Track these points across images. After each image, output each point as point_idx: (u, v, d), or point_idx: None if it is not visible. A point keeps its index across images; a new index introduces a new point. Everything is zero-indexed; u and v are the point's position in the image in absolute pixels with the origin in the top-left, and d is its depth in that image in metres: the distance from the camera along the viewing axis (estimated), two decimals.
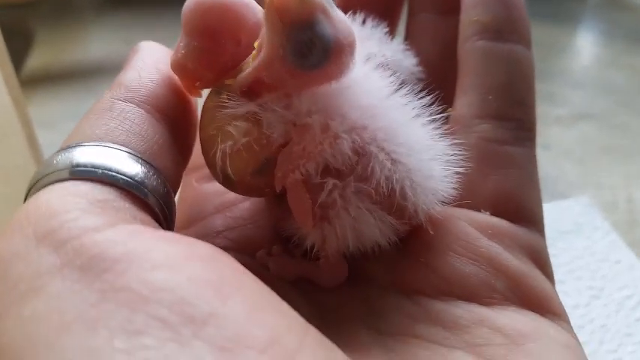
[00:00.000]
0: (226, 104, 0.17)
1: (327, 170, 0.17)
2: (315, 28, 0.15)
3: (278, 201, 0.19)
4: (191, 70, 0.18)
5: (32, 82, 0.78)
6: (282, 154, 0.17)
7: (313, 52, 0.16)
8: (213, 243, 0.20)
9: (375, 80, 0.18)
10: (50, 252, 0.12)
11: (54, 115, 0.68)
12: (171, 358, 0.11)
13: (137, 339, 0.11)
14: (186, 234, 0.20)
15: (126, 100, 0.17)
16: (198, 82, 0.18)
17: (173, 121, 0.18)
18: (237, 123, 0.17)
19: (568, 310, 0.20)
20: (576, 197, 0.53)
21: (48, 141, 0.51)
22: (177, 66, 0.18)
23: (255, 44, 0.17)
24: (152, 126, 0.17)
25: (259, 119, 0.17)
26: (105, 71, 0.80)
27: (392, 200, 0.17)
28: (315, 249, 0.18)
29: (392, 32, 0.26)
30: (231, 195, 0.21)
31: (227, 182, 0.18)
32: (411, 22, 0.26)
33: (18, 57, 0.42)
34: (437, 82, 0.23)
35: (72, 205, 0.14)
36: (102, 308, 0.11)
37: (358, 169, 0.17)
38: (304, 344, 0.12)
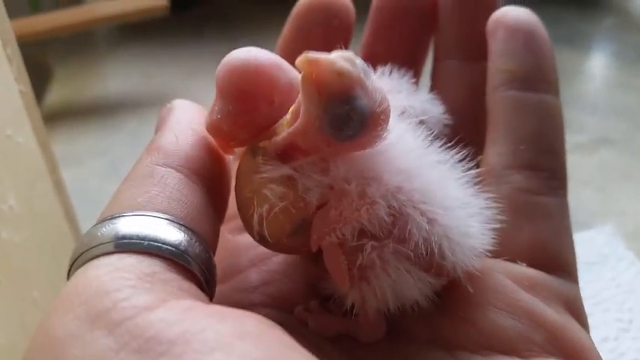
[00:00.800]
0: (261, 167, 0.17)
1: (363, 233, 0.17)
2: (352, 102, 0.15)
3: (314, 259, 0.19)
4: (226, 132, 0.18)
5: (53, 119, 0.79)
6: (319, 217, 0.17)
7: (350, 125, 0.16)
8: (250, 299, 0.20)
9: (409, 141, 0.18)
10: (105, 334, 0.13)
11: (78, 151, 0.68)
12: None
13: None
14: (223, 289, 0.20)
15: (165, 165, 0.17)
16: (232, 142, 0.19)
17: (209, 182, 0.18)
18: (273, 186, 0.17)
19: (597, 343, 0.20)
20: (599, 227, 0.52)
21: (75, 178, 0.51)
22: (213, 129, 0.18)
23: (291, 109, 0.17)
24: (191, 190, 0.17)
25: (295, 182, 0.17)
26: (125, 106, 0.81)
27: (430, 260, 0.18)
28: (354, 308, 0.18)
29: (417, 78, 0.26)
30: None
31: (263, 242, 0.18)
32: (436, 68, 0.26)
33: (37, 94, 0.42)
34: (465, 128, 0.23)
35: (122, 282, 0.14)
36: None
37: (395, 231, 0.17)
38: None
